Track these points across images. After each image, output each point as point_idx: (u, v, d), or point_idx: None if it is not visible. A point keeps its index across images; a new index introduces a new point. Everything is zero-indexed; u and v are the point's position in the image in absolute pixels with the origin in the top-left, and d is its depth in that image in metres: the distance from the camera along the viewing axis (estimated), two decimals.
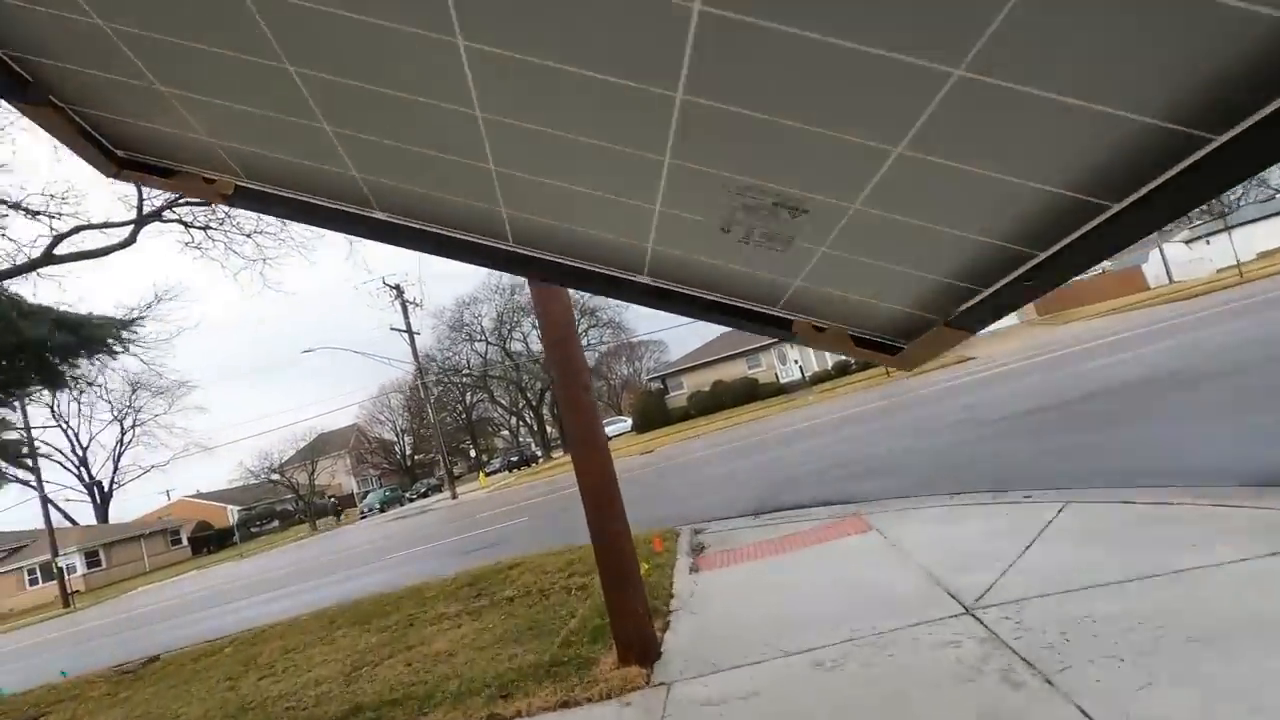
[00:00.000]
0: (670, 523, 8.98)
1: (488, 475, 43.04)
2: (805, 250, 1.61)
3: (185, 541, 50.18)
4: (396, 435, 57.08)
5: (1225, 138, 1.02)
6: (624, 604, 4.22)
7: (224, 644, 9.94)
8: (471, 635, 6.06)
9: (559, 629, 5.34)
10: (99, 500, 54.76)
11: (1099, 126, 1.06)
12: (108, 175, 1.84)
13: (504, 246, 1.86)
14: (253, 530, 47.66)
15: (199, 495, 57.03)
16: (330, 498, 48.58)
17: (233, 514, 50.98)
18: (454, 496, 35.94)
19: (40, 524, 36.12)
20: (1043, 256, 1.40)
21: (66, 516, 40.07)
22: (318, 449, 53.06)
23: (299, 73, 1.37)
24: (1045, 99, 1.03)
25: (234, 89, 1.48)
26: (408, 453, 57.19)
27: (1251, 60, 0.91)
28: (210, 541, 48.91)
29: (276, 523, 48.71)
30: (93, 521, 51.79)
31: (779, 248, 1.62)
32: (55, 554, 34.46)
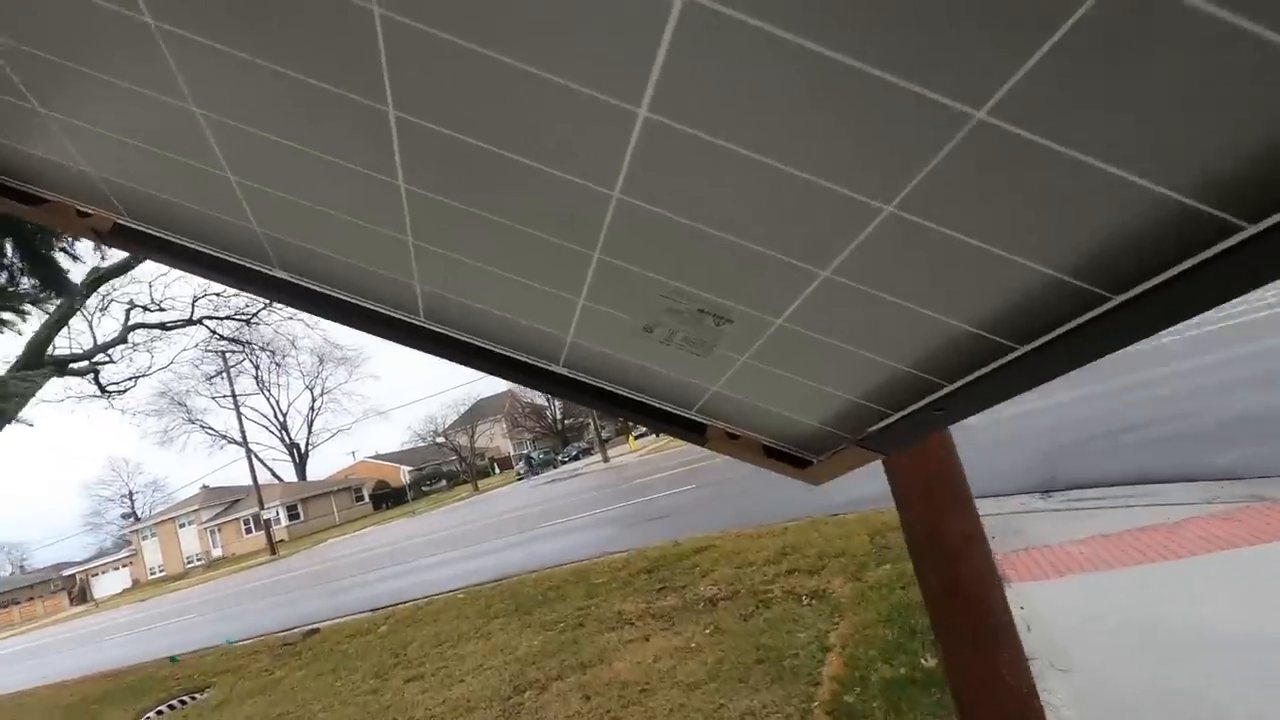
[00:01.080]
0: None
1: (636, 439, 44.40)
2: (725, 358, 1.60)
3: (366, 498, 55.64)
4: (547, 400, 60.18)
5: (1121, 299, 1.07)
6: (984, 669, 2.48)
7: (380, 620, 9.63)
8: (669, 658, 4.50)
9: (807, 667, 3.51)
10: (298, 460, 63.89)
11: (1013, 274, 1.10)
12: None
13: (414, 321, 1.77)
14: (423, 489, 51.39)
15: (377, 456, 62.55)
16: (489, 459, 52.34)
17: (405, 474, 55.63)
18: (605, 460, 37.39)
19: (251, 480, 46.20)
20: (950, 387, 1.44)
21: (273, 474, 47.20)
22: (476, 414, 57.36)
23: (204, 115, 1.31)
24: (965, 243, 1.07)
25: (125, 122, 1.37)
26: (558, 416, 59.99)
27: (1149, 230, 0.96)
28: (387, 499, 53.44)
29: (444, 482, 52.21)
30: (294, 479, 59.68)
31: (699, 353, 1.60)
32: (261, 507, 43.36)
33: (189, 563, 55.54)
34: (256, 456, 46.85)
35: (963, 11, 0.77)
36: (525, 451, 56.39)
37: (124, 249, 1.81)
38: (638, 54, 0.91)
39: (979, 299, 1.20)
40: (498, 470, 51.43)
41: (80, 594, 66.11)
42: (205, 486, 59.68)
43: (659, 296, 1.43)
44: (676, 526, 10.26)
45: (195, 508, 57.38)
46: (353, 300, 1.74)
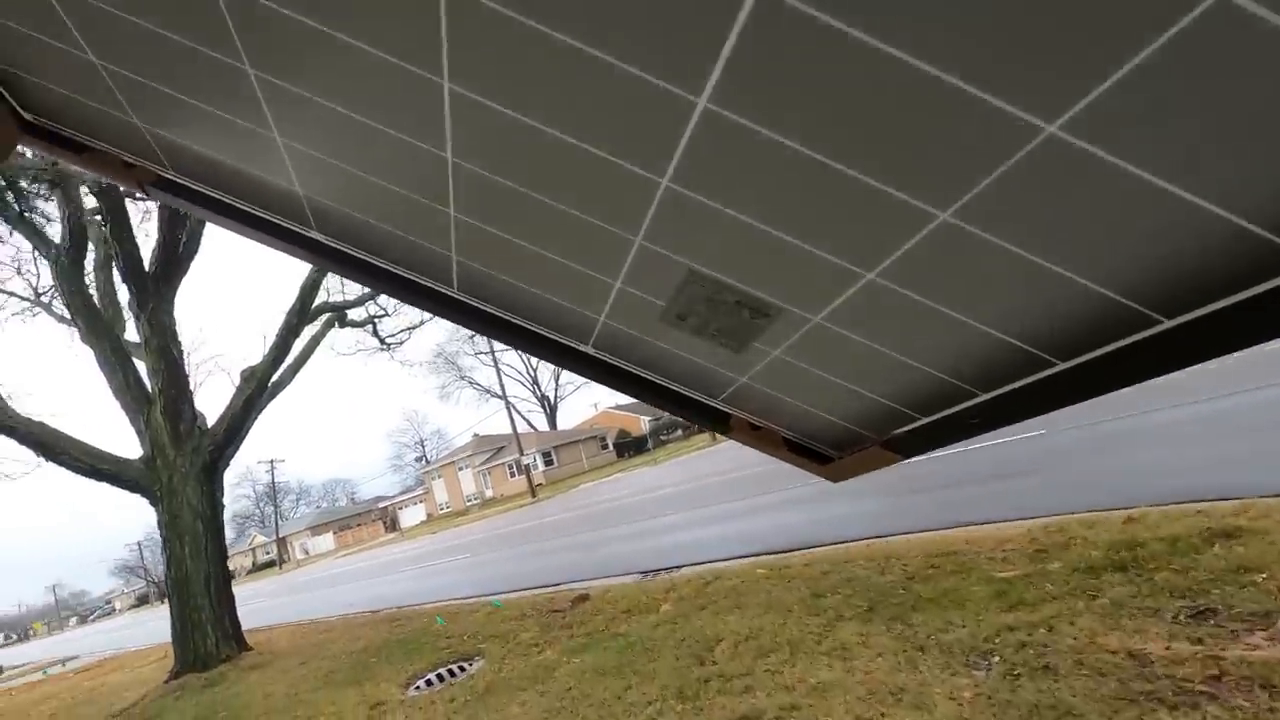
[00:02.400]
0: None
1: None
2: (758, 351, 1.59)
3: (610, 446, 58.01)
4: None
5: (1174, 323, 1.05)
6: None
7: (658, 593, 7.49)
8: None
9: None
10: (548, 411, 69.16)
11: (1063, 290, 1.09)
12: (6, 141, 1.69)
13: (447, 292, 1.77)
14: (661, 438, 52.53)
15: (618, 408, 64.87)
16: None
17: (645, 423, 57.24)
18: None
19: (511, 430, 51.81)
20: (984, 397, 1.43)
21: (530, 424, 50.32)
22: None
23: (258, 76, 1.30)
24: (1018, 255, 1.05)
25: (179, 78, 1.37)
26: None
27: (1208, 257, 0.94)
28: (629, 447, 55.12)
29: (680, 432, 53.24)
30: (546, 429, 65.80)
31: (733, 345, 1.59)
32: (521, 454, 48.22)
33: (468, 501, 61.31)
34: (515, 409, 51.82)
35: (1046, 23, 0.75)
36: None
37: (166, 201, 1.81)
38: (705, 44, 0.89)
39: (1024, 312, 1.19)
40: None
41: (392, 523, 77.30)
42: (476, 435, 65.48)
43: (698, 285, 1.42)
44: (1035, 493, 6.91)
45: (469, 453, 63.37)
46: (388, 267, 1.74)
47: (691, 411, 1.91)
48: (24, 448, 11.83)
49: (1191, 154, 0.83)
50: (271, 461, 72.05)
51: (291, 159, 1.46)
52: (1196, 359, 1.09)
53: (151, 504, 12.26)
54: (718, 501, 13.83)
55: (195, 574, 11.75)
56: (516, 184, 1.30)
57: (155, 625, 34.29)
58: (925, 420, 1.61)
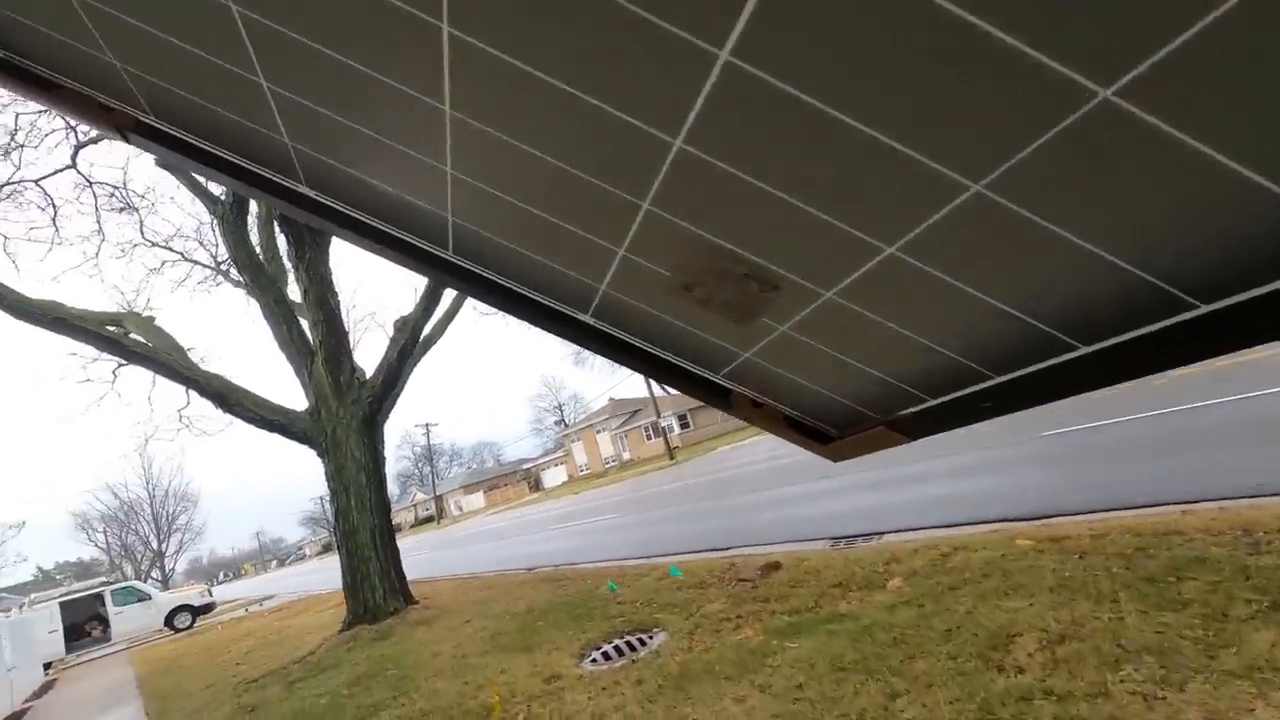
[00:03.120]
0: None
1: None
2: (763, 325, 1.53)
3: None
4: None
5: (1210, 308, 1.00)
6: None
7: (877, 564, 6.17)
8: None
9: None
10: None
11: (1096, 270, 1.03)
12: None
13: (443, 255, 1.69)
14: None
15: None
16: None
17: None
18: None
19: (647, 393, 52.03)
20: (998, 380, 1.38)
21: (663, 388, 51.43)
22: None
23: (241, 14, 1.21)
24: (1051, 231, 0.99)
25: (159, 15, 1.28)
26: None
27: (1255, 239, 0.88)
28: None
29: None
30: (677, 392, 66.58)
31: (738, 318, 1.52)
32: (658, 416, 48.40)
33: (606, 463, 62.72)
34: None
35: None
36: None
37: (145, 149, 1.71)
38: None
39: (1050, 292, 1.13)
40: None
41: (535, 483, 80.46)
42: (611, 399, 66.79)
43: (705, 254, 1.35)
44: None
45: (606, 417, 64.77)
46: (381, 226, 1.67)
47: (693, 386, 1.86)
48: (205, 400, 12.49)
49: (1248, 127, 0.77)
50: (427, 425, 75.49)
51: (279, 106, 1.38)
52: (1231, 347, 1.03)
53: (319, 456, 12.58)
54: (886, 465, 11.57)
55: (361, 526, 11.88)
56: (516, 140, 1.22)
57: (335, 573, 36.95)
58: (934, 402, 1.55)
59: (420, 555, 28.65)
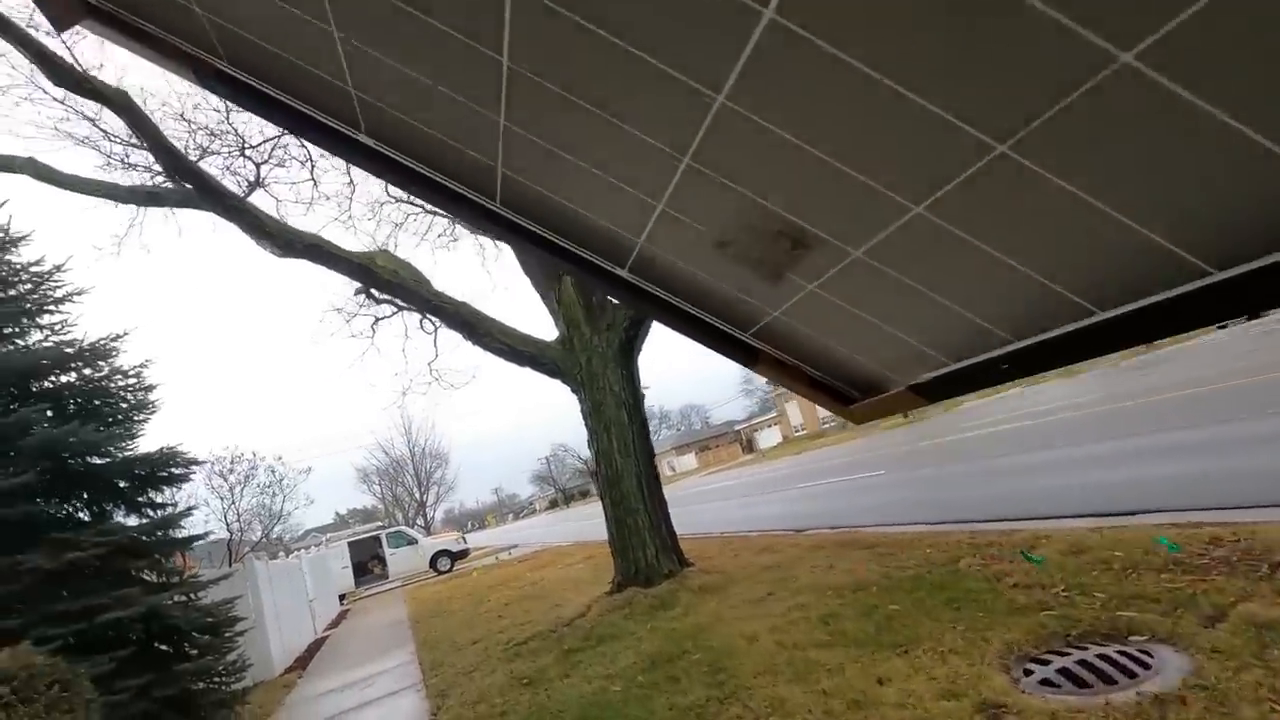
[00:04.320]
0: None
1: None
2: (793, 285, 1.58)
3: None
4: None
5: (1223, 275, 1.01)
6: None
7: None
8: None
9: None
10: None
11: (1116, 234, 1.06)
12: (65, 26, 1.69)
13: (489, 205, 1.77)
14: None
15: None
16: None
17: None
18: None
19: None
20: (1017, 345, 1.41)
21: None
22: None
23: None
24: (1075, 196, 1.02)
25: None
26: None
27: (1268, 205, 0.90)
28: None
29: None
30: None
31: (769, 276, 1.58)
32: None
33: (823, 424, 60.43)
34: None
35: None
36: None
37: (217, 93, 1.81)
38: None
39: (1071, 256, 1.16)
40: None
41: (748, 445, 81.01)
42: None
43: (741, 212, 1.40)
44: None
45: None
46: (431, 175, 1.74)
47: (721, 343, 1.92)
48: (453, 330, 11.64)
49: (1264, 91, 0.79)
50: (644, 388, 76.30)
51: (347, 56, 1.46)
52: (1243, 310, 1.07)
53: (573, 391, 10.99)
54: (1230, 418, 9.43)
55: (626, 472, 10.07)
56: (568, 92, 1.29)
57: (564, 526, 39.71)
58: (955, 365, 1.59)
59: None
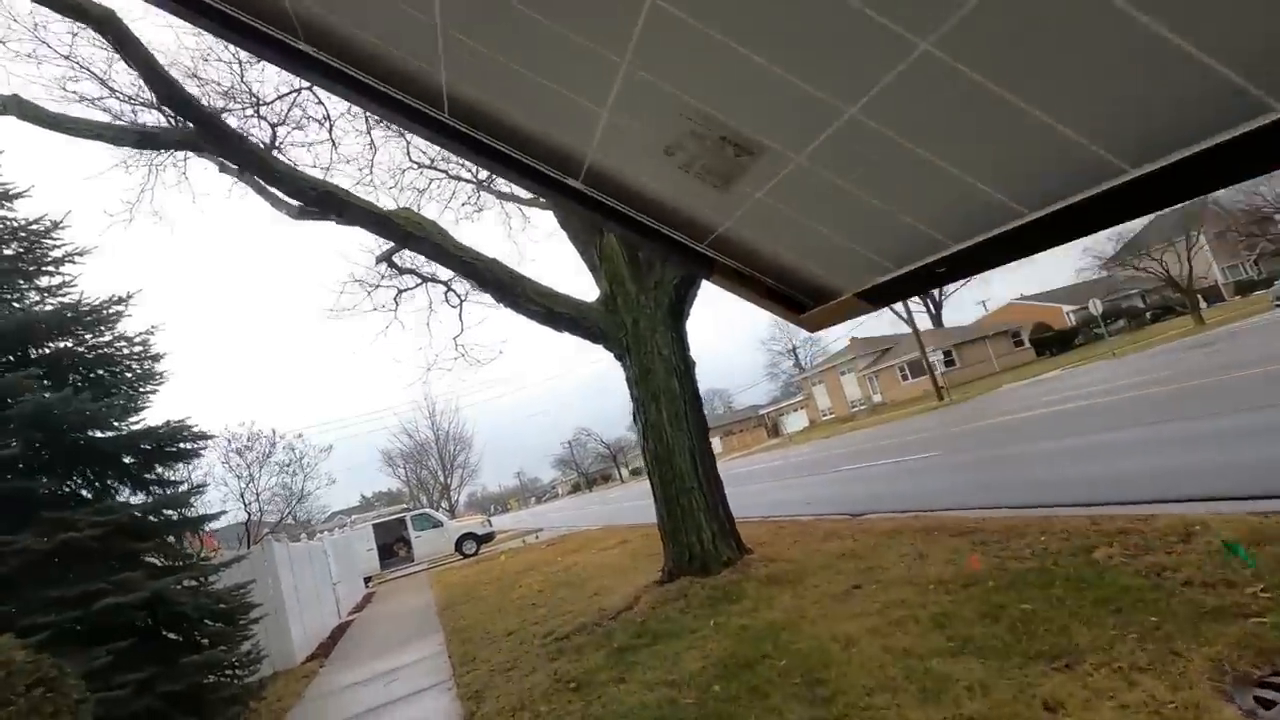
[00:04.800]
0: None
1: None
2: (741, 193, 1.60)
3: (1027, 343, 49.46)
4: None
5: (1139, 172, 1.05)
6: None
7: None
8: None
9: None
10: (932, 310, 63.06)
11: (1039, 134, 1.08)
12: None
13: (439, 116, 1.74)
14: (1094, 331, 41.75)
15: (1025, 298, 58.45)
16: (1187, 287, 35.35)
17: (1069, 314, 49.57)
18: None
19: (897, 330, 50.38)
20: (956, 248, 1.44)
21: (910, 323, 44.37)
22: (1157, 233, 40.31)
23: None
24: (998, 95, 1.04)
25: None
26: None
27: (1181, 104, 0.94)
28: (1052, 343, 46.47)
29: (1123, 323, 42.75)
30: (930, 327, 58.93)
31: (717, 184, 1.60)
32: (923, 352, 40.65)
33: (852, 407, 57.22)
34: (900, 307, 45.09)
35: None
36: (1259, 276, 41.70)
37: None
38: None
39: (1000, 157, 1.18)
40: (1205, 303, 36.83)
41: (774, 428, 79.25)
42: (853, 338, 62.75)
43: (683, 118, 1.41)
44: None
45: (850, 357, 58.44)
46: (377, 85, 1.71)
47: (678, 254, 1.95)
48: (484, 291, 10.46)
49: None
50: None
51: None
52: (1157, 207, 1.11)
53: (618, 358, 9.86)
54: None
55: (678, 448, 8.83)
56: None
57: (588, 510, 38.83)
58: (898, 271, 1.63)
59: None
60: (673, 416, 8.92)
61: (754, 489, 20.35)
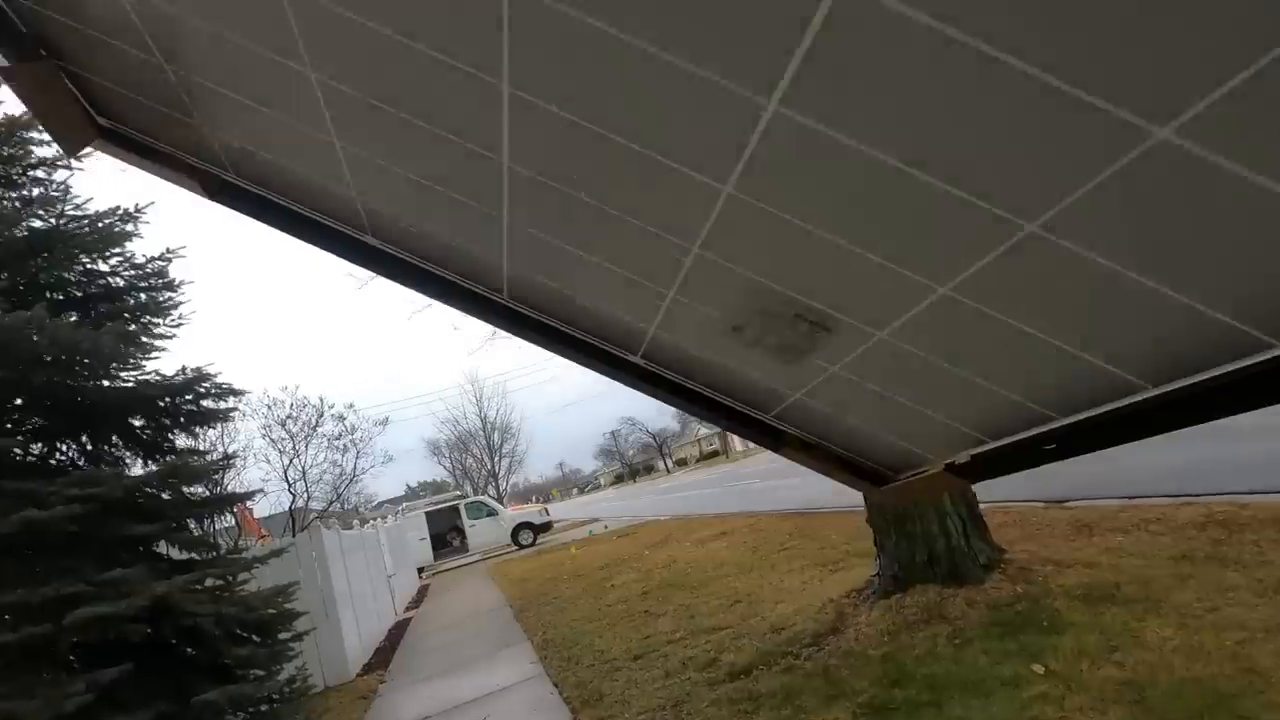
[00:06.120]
0: None
1: None
2: (816, 367, 1.53)
3: None
4: None
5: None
6: None
7: None
8: None
9: None
10: None
11: (1162, 309, 1.00)
12: (77, 149, 1.73)
13: (497, 299, 1.76)
14: None
15: None
16: None
17: None
18: None
19: None
20: (1062, 421, 1.35)
21: None
22: None
23: (320, 81, 1.29)
24: (1114, 271, 0.97)
25: (247, 84, 1.40)
26: None
27: None
28: None
29: None
30: None
31: (789, 360, 1.54)
32: None
33: None
34: None
35: (1158, 19, 0.67)
36: None
37: (228, 205, 1.82)
38: (775, 36, 0.84)
39: (1114, 332, 1.10)
40: None
41: None
42: None
43: (754, 296, 1.37)
44: None
45: None
46: (441, 273, 1.74)
47: (744, 427, 1.86)
48: None
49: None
50: None
51: (347, 160, 1.47)
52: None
53: None
54: None
55: None
56: (570, 188, 1.27)
57: (641, 501, 35.93)
58: (995, 444, 1.51)
59: (765, 483, 22.90)
60: None
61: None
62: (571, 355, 1.79)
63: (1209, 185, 0.79)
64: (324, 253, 1.77)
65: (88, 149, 1.75)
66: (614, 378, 1.83)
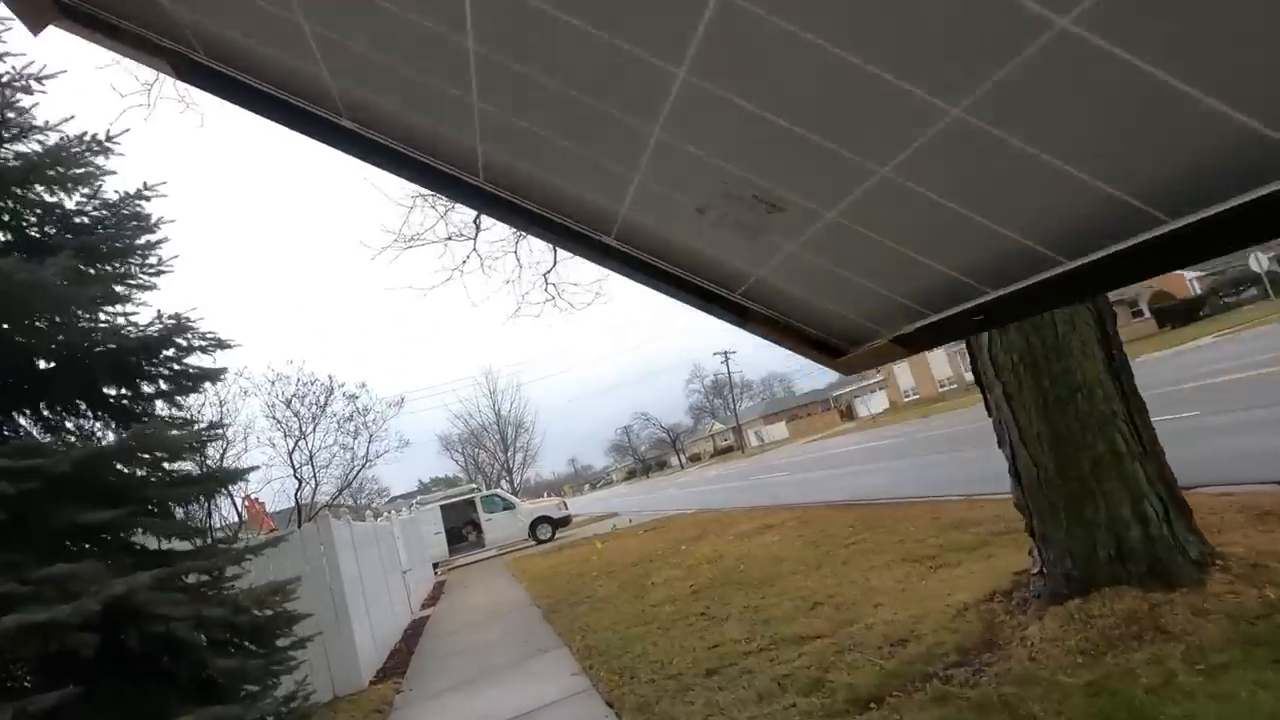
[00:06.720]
0: None
1: None
2: (773, 245, 1.62)
3: (1147, 313, 43.80)
4: None
5: (1177, 224, 1.05)
6: None
7: None
8: None
9: None
10: None
11: (1073, 189, 1.09)
12: (38, 27, 1.68)
13: (474, 182, 1.80)
14: (1222, 299, 38.10)
15: None
16: None
17: (1192, 282, 44.49)
18: None
19: None
20: (993, 295, 1.46)
21: None
22: None
23: None
24: (1031, 155, 1.06)
25: None
26: None
27: (1218, 158, 0.93)
28: (1176, 314, 40.40)
29: (1254, 290, 35.92)
30: None
31: (748, 237, 1.63)
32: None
33: (941, 386, 52.64)
34: None
35: None
36: None
37: (196, 85, 1.81)
38: None
39: (1034, 211, 1.20)
40: None
41: (848, 411, 72.10)
42: None
43: (716, 180, 1.44)
44: None
45: None
46: (415, 155, 1.77)
47: (712, 304, 1.97)
48: None
49: (1203, 54, 0.80)
50: (725, 353, 74.10)
51: (320, 47, 1.49)
52: (1196, 259, 1.12)
53: None
54: None
55: (1079, 345, 4.83)
56: (533, 71, 1.31)
57: (657, 495, 36.04)
58: (935, 317, 1.64)
59: (792, 476, 23.15)
60: (1085, 344, 4.86)
61: (847, 470, 18.18)
62: (548, 237, 1.86)
63: (1105, 73, 0.86)
64: (300, 133, 1.78)
65: (48, 25, 1.70)
66: (588, 258, 1.90)
